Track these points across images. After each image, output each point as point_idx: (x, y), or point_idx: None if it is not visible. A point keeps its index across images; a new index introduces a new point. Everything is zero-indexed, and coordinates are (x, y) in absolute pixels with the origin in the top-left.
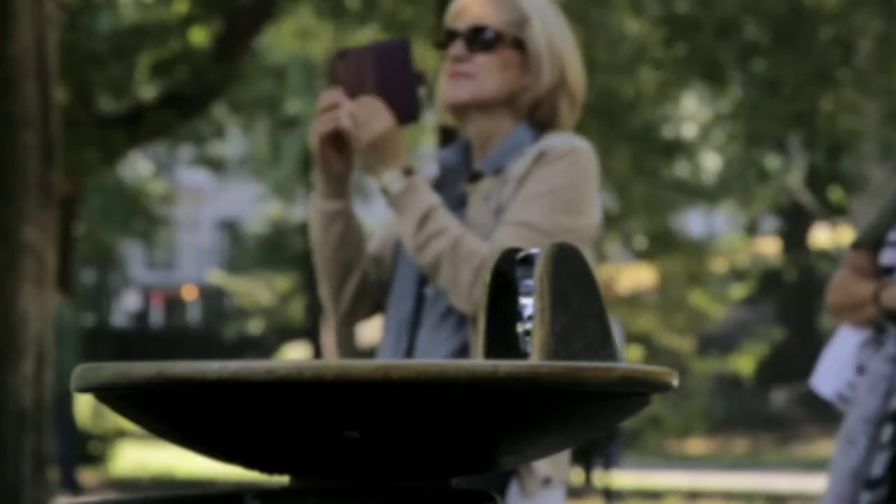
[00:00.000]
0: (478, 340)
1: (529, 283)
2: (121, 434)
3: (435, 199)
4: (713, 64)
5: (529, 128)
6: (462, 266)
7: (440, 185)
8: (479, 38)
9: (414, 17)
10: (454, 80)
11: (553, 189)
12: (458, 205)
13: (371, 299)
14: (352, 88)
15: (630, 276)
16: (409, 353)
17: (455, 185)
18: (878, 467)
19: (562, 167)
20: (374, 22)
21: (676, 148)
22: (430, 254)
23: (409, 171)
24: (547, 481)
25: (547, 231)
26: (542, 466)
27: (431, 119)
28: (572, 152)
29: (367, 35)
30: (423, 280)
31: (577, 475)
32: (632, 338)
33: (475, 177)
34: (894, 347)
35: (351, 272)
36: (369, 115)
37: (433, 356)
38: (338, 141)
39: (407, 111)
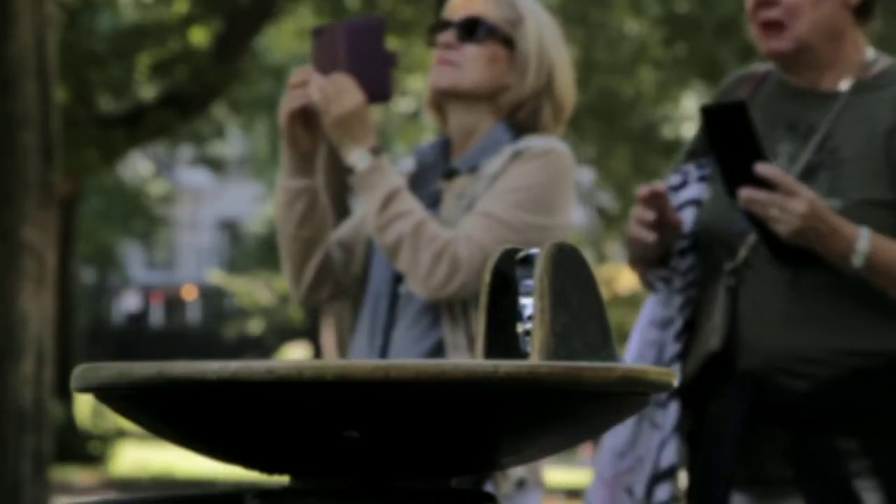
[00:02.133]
0: (477, 340)
1: (529, 283)
2: (121, 434)
3: (400, 181)
4: (713, 64)
5: (508, 128)
6: (422, 250)
7: (416, 180)
8: (470, 30)
9: (414, 17)
10: (439, 67)
11: (525, 186)
12: (433, 202)
13: (333, 282)
14: (324, 65)
15: (630, 276)
16: (384, 352)
17: (431, 181)
18: (669, 456)
19: (536, 166)
20: None
21: (676, 148)
22: (392, 235)
23: (376, 151)
24: (521, 483)
25: (513, 226)
26: (516, 468)
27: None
28: (549, 153)
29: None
30: (397, 279)
31: None
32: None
33: (450, 174)
34: (660, 309)
35: (313, 251)
36: (339, 91)
37: (408, 355)
38: (307, 118)
39: (378, 90)
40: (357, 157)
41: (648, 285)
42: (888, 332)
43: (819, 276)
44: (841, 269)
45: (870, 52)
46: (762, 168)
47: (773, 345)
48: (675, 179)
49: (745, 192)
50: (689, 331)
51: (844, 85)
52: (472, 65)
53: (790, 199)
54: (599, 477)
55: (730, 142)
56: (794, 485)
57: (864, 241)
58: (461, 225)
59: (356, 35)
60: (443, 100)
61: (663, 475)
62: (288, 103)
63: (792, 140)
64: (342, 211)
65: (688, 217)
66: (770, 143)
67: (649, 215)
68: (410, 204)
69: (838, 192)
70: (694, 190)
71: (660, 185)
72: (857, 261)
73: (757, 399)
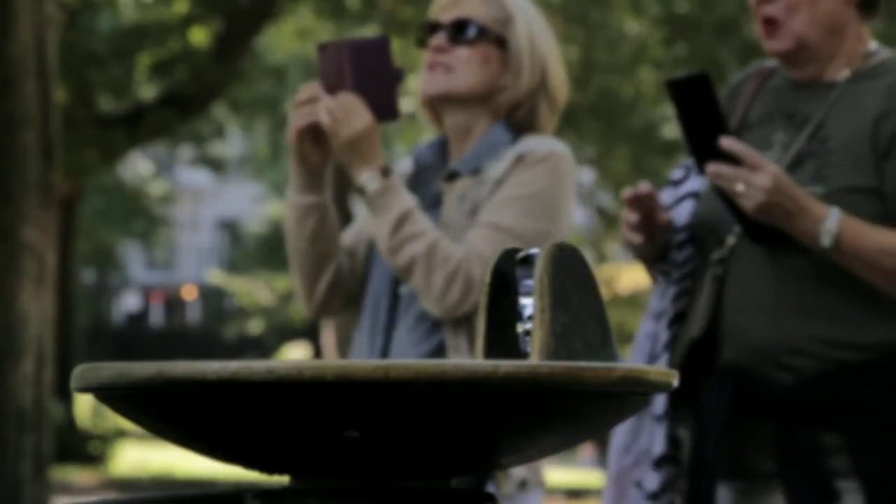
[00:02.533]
0: (477, 341)
1: (529, 283)
2: (121, 434)
3: (411, 202)
4: (713, 64)
5: (507, 129)
6: (436, 272)
7: (415, 182)
8: (461, 32)
9: (414, 17)
10: (431, 72)
11: (530, 194)
12: (433, 203)
13: (345, 292)
14: (330, 83)
15: (630, 276)
16: (384, 353)
17: (430, 183)
18: (660, 444)
19: (540, 171)
20: (373, 22)
21: (676, 148)
22: (404, 257)
23: (386, 172)
24: (523, 484)
25: (521, 235)
26: (518, 469)
27: None
28: (551, 156)
29: (367, 35)
30: (397, 280)
31: None
32: (632, 338)
33: (451, 176)
34: (657, 301)
35: (325, 266)
36: (348, 113)
37: (408, 356)
38: (315, 134)
39: (385, 109)
40: (367, 179)
41: (653, 279)
42: (877, 324)
43: (806, 266)
44: (811, 250)
45: (872, 45)
46: (726, 142)
47: (758, 335)
48: (677, 174)
49: (712, 167)
50: (682, 321)
51: (842, 76)
52: (465, 68)
53: (755, 173)
54: (608, 474)
55: (696, 116)
56: (777, 479)
57: (832, 220)
58: (469, 239)
59: (362, 54)
60: (436, 104)
61: (655, 464)
62: (296, 121)
63: (787, 130)
64: (344, 217)
65: (685, 210)
66: (767, 133)
67: (633, 217)
68: (422, 224)
69: (822, 179)
70: (695, 182)
71: (644, 186)
72: (825, 241)
73: (742, 391)
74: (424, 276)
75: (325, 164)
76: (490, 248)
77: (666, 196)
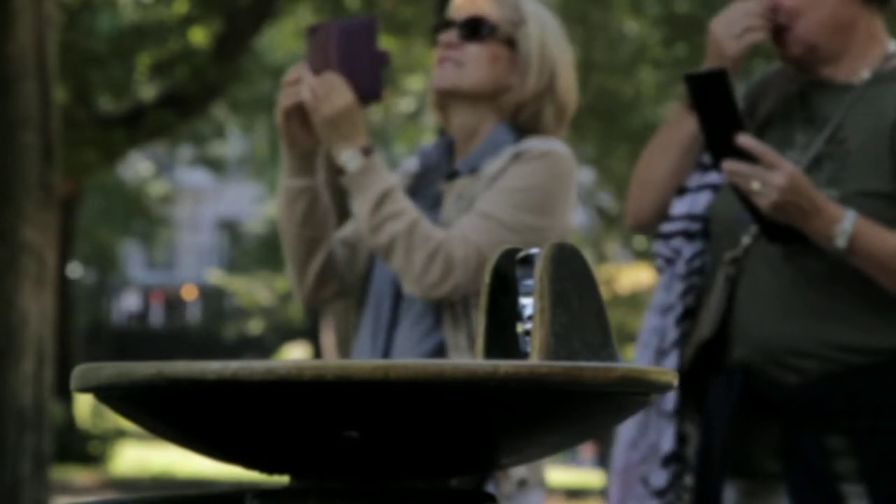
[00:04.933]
0: (477, 341)
1: (529, 283)
2: (121, 434)
3: (392, 181)
4: None
5: (510, 130)
6: (416, 250)
7: (419, 182)
8: (473, 29)
9: (414, 17)
10: (440, 66)
11: (524, 187)
12: (434, 203)
13: (337, 281)
14: (316, 64)
15: (630, 276)
16: (386, 353)
17: (434, 183)
18: (668, 441)
19: (536, 167)
20: None
21: None
22: (385, 236)
23: (367, 151)
24: (523, 483)
25: (510, 227)
26: (518, 468)
27: (432, 119)
28: (549, 154)
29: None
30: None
31: None
32: (632, 338)
33: (451, 176)
34: (662, 295)
35: (316, 251)
36: (329, 90)
37: (410, 355)
38: (303, 116)
39: (369, 90)
40: (348, 158)
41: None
42: (888, 329)
43: (820, 268)
44: (825, 251)
45: (892, 45)
46: (742, 140)
47: (767, 335)
48: (707, 158)
49: (728, 164)
50: (691, 318)
51: (860, 76)
52: (474, 64)
53: (770, 171)
54: (613, 470)
55: (714, 112)
56: (782, 480)
57: (847, 221)
58: (457, 225)
59: (349, 34)
60: (445, 100)
61: (662, 461)
62: (283, 101)
63: (807, 131)
64: (345, 209)
65: (703, 200)
66: (789, 132)
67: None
68: (403, 204)
69: (839, 182)
70: (717, 175)
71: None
72: (839, 241)
73: (749, 390)
74: (404, 255)
75: (315, 147)
76: (476, 234)
77: (691, 179)
